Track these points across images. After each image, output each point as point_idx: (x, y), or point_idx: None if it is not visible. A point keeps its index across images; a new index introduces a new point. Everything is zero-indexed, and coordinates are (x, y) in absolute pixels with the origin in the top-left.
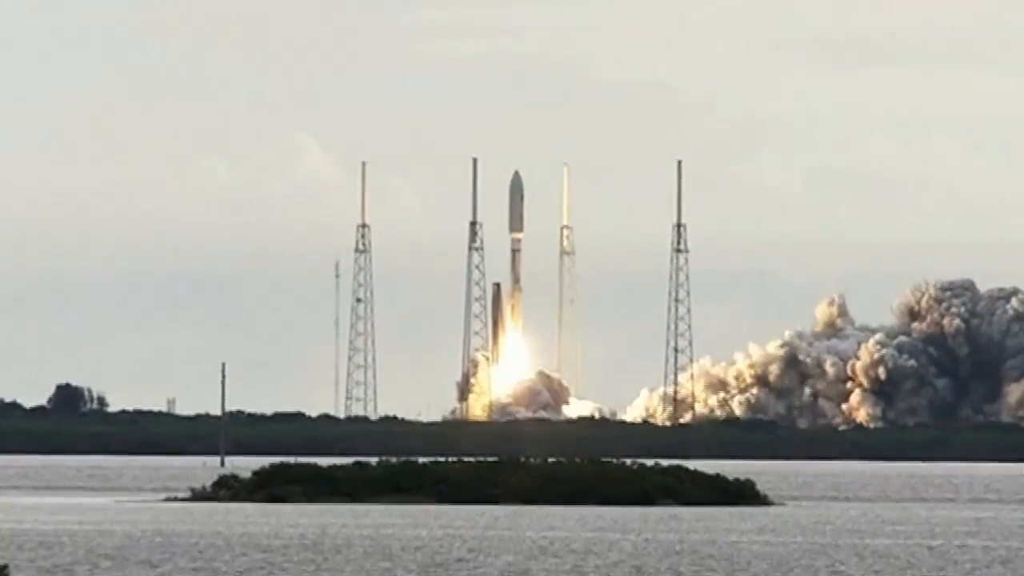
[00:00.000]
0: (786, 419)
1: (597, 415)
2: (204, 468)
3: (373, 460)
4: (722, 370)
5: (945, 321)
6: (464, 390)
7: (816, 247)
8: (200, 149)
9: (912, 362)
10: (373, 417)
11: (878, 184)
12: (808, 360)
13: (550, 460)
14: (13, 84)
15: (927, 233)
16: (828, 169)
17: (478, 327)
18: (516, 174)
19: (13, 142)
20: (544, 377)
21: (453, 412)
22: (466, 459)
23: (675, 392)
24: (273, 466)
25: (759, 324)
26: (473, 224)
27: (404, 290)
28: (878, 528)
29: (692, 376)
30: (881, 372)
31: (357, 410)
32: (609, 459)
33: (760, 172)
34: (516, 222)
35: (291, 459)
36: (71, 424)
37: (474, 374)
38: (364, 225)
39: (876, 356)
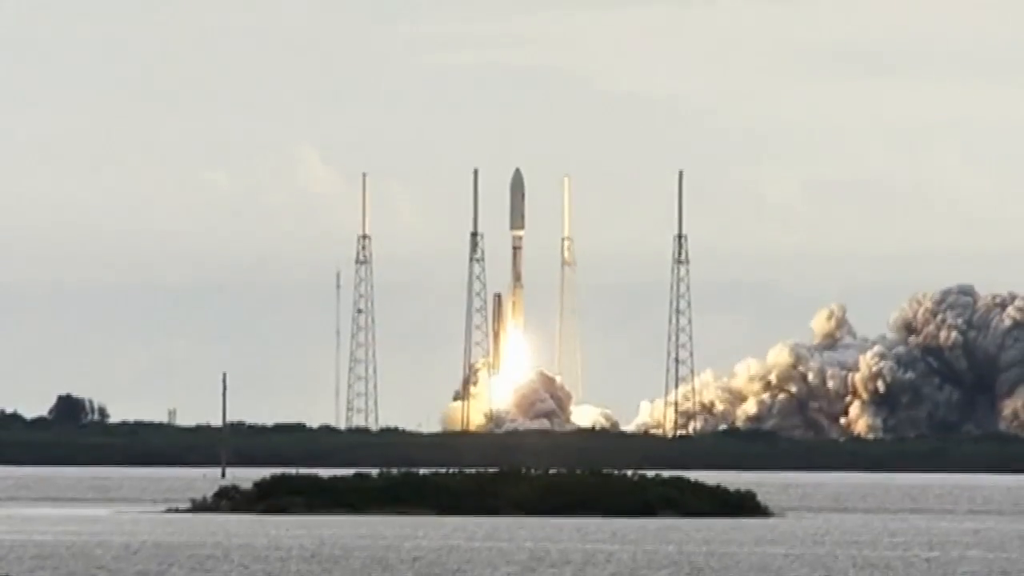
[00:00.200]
0: (786, 430)
1: (604, 420)
2: (205, 479)
3: (374, 471)
4: (724, 382)
5: (942, 334)
6: (462, 397)
7: (817, 258)
8: (201, 160)
9: (910, 374)
10: (374, 428)
11: (879, 195)
12: (809, 371)
13: (551, 471)
14: (15, 93)
15: (928, 244)
16: (829, 180)
17: (479, 338)
18: (517, 171)
19: (15, 151)
20: (545, 379)
21: (444, 419)
22: (467, 470)
23: (676, 403)
24: (274, 477)
25: (760, 335)
26: (474, 235)
27: (405, 301)
28: (878, 539)
29: (694, 389)
30: (880, 385)
31: (358, 421)
32: (610, 470)
33: (761, 183)
34: (517, 219)
35: (292, 470)
36: (72, 435)
37: (474, 382)
38: (365, 236)
39: (875, 368)
